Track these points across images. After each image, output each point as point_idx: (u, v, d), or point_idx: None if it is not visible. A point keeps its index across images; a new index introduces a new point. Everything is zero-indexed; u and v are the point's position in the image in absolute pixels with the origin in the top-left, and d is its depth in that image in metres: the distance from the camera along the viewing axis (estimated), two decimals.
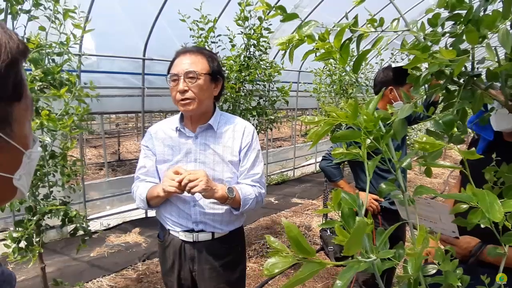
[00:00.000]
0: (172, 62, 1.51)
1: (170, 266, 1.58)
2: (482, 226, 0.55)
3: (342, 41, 0.65)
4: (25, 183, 0.50)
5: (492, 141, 1.29)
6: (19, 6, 1.72)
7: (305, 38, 0.66)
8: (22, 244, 1.80)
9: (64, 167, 1.92)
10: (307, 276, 0.33)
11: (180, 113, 1.56)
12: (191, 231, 1.51)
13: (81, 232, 2.00)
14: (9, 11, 1.70)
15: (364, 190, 2.04)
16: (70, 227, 2.01)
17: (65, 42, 1.87)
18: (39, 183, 1.84)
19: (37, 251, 1.83)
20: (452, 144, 0.56)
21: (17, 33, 0.44)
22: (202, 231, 1.51)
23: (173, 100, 1.47)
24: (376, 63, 4.90)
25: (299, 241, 0.31)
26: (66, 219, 1.93)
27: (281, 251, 0.33)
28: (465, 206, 0.55)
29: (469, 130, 1.40)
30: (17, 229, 1.81)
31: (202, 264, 1.53)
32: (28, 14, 1.78)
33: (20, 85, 0.44)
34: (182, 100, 1.42)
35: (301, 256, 0.32)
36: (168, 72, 1.51)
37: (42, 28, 1.84)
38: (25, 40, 1.79)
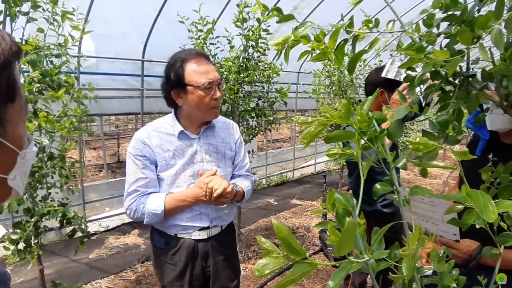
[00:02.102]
0: (182, 67, 1.39)
1: (181, 270, 1.52)
2: (477, 226, 0.55)
3: (338, 42, 0.65)
4: (20, 183, 0.50)
5: (491, 142, 1.29)
6: (18, 8, 1.72)
7: (301, 38, 0.66)
8: (21, 246, 1.80)
9: (62, 169, 1.92)
10: (298, 277, 0.32)
11: (170, 116, 1.53)
12: (206, 228, 1.54)
13: (79, 234, 2.00)
14: (7, 13, 1.70)
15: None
16: (69, 229, 2.01)
17: (63, 44, 1.87)
18: (37, 184, 1.84)
19: (36, 253, 1.82)
20: (446, 144, 0.56)
21: (10, 35, 0.44)
22: (215, 226, 1.57)
23: (204, 107, 1.42)
24: (375, 64, 4.90)
25: (289, 242, 0.31)
26: (64, 221, 1.93)
27: (272, 252, 0.33)
28: (460, 206, 0.55)
29: (468, 130, 1.39)
30: (15, 231, 1.81)
31: (217, 257, 1.58)
32: (26, 16, 1.78)
33: (13, 86, 0.44)
34: (215, 107, 1.45)
35: (292, 257, 0.32)
36: (179, 79, 1.39)
37: (40, 30, 1.85)
38: (23, 42, 1.80)
